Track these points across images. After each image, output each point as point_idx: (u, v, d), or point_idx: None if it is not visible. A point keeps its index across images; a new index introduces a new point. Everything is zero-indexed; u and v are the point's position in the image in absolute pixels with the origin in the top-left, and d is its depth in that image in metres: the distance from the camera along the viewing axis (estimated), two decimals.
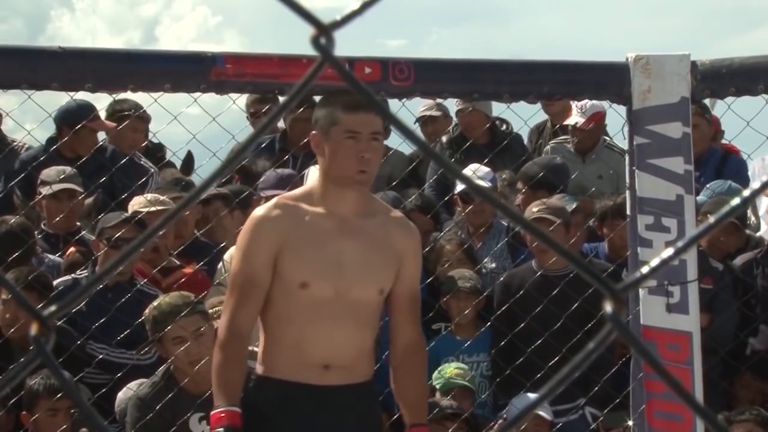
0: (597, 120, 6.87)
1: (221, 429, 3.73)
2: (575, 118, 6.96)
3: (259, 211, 3.94)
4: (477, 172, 6.20)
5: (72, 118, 6.54)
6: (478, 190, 1.25)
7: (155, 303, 5.06)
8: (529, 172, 6.40)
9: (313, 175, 5.06)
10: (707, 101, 5.96)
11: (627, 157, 4.68)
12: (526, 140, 7.61)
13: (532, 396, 5.46)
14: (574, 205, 6.13)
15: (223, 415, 3.75)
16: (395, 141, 7.26)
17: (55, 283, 5.62)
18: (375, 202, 4.06)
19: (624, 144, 4.78)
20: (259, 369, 3.95)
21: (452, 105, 7.32)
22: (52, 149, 6.37)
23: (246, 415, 3.94)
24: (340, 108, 3.84)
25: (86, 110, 6.41)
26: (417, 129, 7.33)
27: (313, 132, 3.92)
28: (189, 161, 7.33)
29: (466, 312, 5.76)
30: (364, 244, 3.91)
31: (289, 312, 3.87)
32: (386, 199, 6.05)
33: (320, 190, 3.92)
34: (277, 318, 3.89)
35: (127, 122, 6.56)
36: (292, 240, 3.85)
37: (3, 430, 5.18)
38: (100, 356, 5.46)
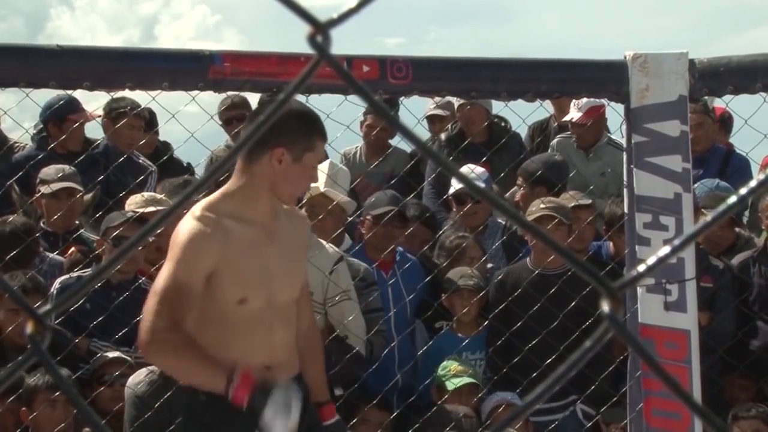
0: (594, 115, 6.85)
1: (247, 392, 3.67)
2: (572, 114, 6.96)
3: (189, 226, 3.82)
4: (473, 171, 6.19)
5: (55, 114, 6.56)
6: (477, 189, 1.25)
7: None
8: (528, 169, 6.39)
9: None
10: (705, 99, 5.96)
11: (625, 155, 4.68)
12: (524, 138, 7.59)
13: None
14: (588, 202, 6.12)
15: (244, 380, 3.66)
16: (395, 138, 7.28)
17: (57, 281, 5.63)
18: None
19: (623, 141, 4.79)
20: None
21: (455, 102, 7.30)
22: (48, 148, 6.36)
23: (196, 430, 3.93)
24: (318, 136, 3.87)
25: (68, 104, 6.41)
26: (419, 127, 7.32)
27: (280, 148, 3.80)
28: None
29: (467, 310, 5.76)
30: (284, 246, 3.94)
31: (230, 328, 3.85)
32: (385, 196, 6.03)
33: (240, 196, 3.87)
34: (216, 335, 3.85)
35: (124, 120, 6.54)
36: (225, 257, 3.80)
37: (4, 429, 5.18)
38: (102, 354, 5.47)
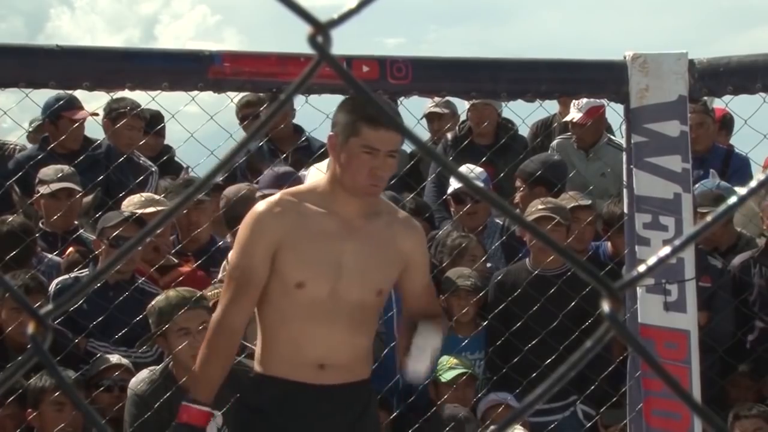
0: (594, 115, 6.85)
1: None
2: (572, 114, 6.95)
3: (260, 206, 3.89)
4: (472, 171, 6.18)
5: (52, 113, 6.55)
6: (476, 189, 1.25)
7: (161, 296, 5.06)
8: (527, 170, 6.39)
9: (313, 174, 5.04)
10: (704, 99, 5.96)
11: (624, 156, 4.68)
12: (527, 136, 7.57)
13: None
14: (588, 203, 6.11)
15: (192, 412, 3.76)
16: None
17: (55, 282, 5.63)
18: (380, 203, 4.02)
19: (622, 142, 4.79)
20: (257, 367, 3.94)
21: (462, 103, 7.28)
22: (47, 148, 6.35)
23: (244, 413, 3.95)
24: (363, 121, 3.76)
25: (65, 102, 6.39)
26: (418, 127, 7.30)
27: (331, 133, 3.86)
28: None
29: (465, 310, 5.76)
30: (366, 246, 3.89)
31: (286, 311, 3.85)
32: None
33: (327, 189, 3.88)
34: (274, 316, 3.88)
35: (124, 120, 6.54)
36: (292, 238, 3.82)
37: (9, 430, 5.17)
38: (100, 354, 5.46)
